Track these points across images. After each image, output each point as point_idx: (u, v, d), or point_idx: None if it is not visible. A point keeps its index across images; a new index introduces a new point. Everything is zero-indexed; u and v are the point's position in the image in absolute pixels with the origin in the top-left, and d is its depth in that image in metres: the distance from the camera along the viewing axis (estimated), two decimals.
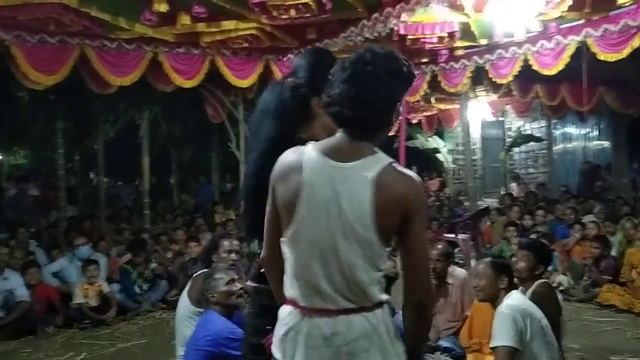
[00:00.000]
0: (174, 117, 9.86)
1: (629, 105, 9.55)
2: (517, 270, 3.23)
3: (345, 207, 1.46)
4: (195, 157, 12.38)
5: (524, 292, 3.22)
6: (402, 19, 5.29)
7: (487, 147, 13.96)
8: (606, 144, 13.12)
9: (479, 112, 11.44)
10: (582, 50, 5.97)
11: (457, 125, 11.57)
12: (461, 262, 7.43)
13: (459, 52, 7.15)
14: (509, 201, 9.29)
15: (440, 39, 6.20)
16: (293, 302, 1.56)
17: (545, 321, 2.78)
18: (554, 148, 13.44)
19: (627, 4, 5.28)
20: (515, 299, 2.79)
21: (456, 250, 7.85)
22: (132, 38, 5.88)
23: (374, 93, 1.48)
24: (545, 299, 3.07)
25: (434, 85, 7.86)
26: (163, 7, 4.95)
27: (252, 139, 1.96)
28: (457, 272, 4.14)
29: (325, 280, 1.50)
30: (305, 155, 1.53)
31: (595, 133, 14.11)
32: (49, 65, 5.62)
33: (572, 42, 5.97)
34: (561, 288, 5.74)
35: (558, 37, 6.08)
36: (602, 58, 5.77)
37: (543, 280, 3.24)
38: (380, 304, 1.54)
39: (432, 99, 10.17)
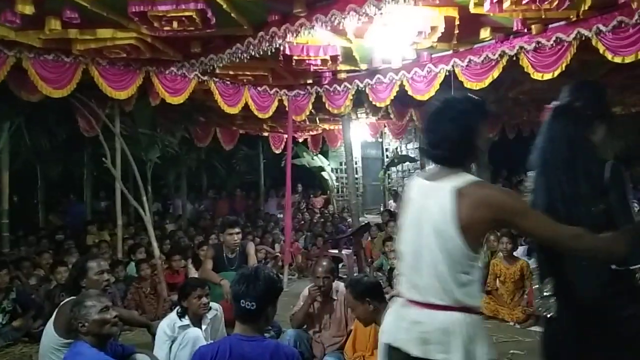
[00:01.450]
0: (40, 129, 8.99)
1: (489, 129, 10.61)
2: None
3: (433, 212, 1.83)
4: (64, 173, 11.37)
5: None
6: (287, 39, 5.37)
7: (367, 166, 14.67)
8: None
9: (360, 132, 11.97)
10: (451, 78, 6.52)
11: (340, 144, 11.98)
12: (345, 277, 7.64)
13: (342, 75, 7.44)
14: (387, 217, 9.80)
15: (324, 61, 6.40)
16: (400, 294, 1.96)
17: None
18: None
19: (488, 39, 5.90)
20: None
21: (340, 265, 8.08)
22: None
23: (443, 136, 1.88)
24: None
25: (319, 105, 8.07)
26: (28, 9, 4.50)
27: (541, 164, 2.19)
28: (341, 287, 4.22)
29: (418, 276, 1.86)
30: (412, 180, 2.04)
31: None
32: None
33: (441, 70, 6.49)
34: None
35: (430, 65, 6.58)
36: (467, 86, 6.33)
37: None
38: (465, 309, 1.80)
39: (317, 119, 10.44)
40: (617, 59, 5.06)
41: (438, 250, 1.80)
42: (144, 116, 9.00)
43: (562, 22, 5.34)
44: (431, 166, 1.99)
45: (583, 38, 5.18)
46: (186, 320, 3.72)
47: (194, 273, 6.72)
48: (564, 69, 5.45)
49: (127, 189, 7.31)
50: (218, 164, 13.92)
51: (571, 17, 5.21)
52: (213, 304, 3.98)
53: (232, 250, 5.16)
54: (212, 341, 3.47)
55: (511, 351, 4.60)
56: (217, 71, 6.63)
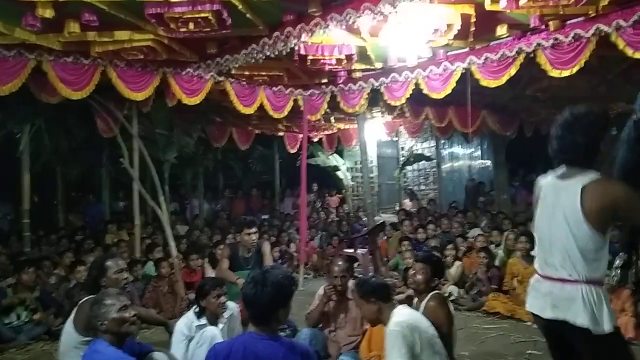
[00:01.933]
0: (60, 130, 9.13)
1: (506, 127, 10.49)
2: (414, 282, 3.38)
3: (564, 207, 2.28)
4: (83, 174, 11.54)
5: (419, 303, 3.36)
6: (302, 39, 5.38)
7: (382, 165, 14.61)
8: (488, 162, 14.30)
9: (375, 132, 11.93)
10: (467, 76, 6.46)
11: (355, 144, 11.95)
12: (360, 276, 7.62)
13: (357, 74, 7.43)
14: (403, 216, 9.76)
15: (339, 60, 6.40)
16: (535, 271, 2.46)
17: (432, 330, 2.91)
18: (442, 166, 14.40)
19: (505, 36, 5.83)
20: (402, 315, 2.87)
21: (356, 264, 8.06)
22: (12, 44, 5.38)
23: (574, 144, 2.30)
24: (439, 310, 3.22)
25: (334, 105, 8.07)
26: (48, 13, 4.58)
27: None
28: None
29: (552, 256, 2.33)
30: (545, 179, 2.48)
31: (479, 153, 15.34)
32: None
33: (457, 68, 6.43)
34: (452, 298, 6.09)
35: (445, 63, 6.53)
36: (484, 84, 6.28)
37: (436, 291, 3.40)
38: (590, 282, 2.22)
39: (332, 119, 10.43)
40: (638, 55, 4.97)
41: (570, 235, 2.25)
42: (161, 117, 9.07)
43: (581, 18, 5.27)
44: (560, 168, 2.43)
45: (602, 34, 5.10)
46: (204, 320, 3.75)
47: (210, 272, 6.77)
48: (582, 65, 5.37)
49: (145, 189, 7.39)
50: (234, 163, 13.98)
51: (590, 12, 5.13)
52: (230, 303, 4.01)
53: (248, 249, 5.19)
54: None
55: (528, 351, 4.55)
56: (233, 72, 6.68)
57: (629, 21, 4.87)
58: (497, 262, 6.50)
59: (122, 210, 11.63)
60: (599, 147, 2.32)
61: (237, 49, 5.84)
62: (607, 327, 2.15)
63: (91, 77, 5.92)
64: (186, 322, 3.72)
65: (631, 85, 8.09)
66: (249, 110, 7.53)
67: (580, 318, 2.18)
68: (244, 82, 7.31)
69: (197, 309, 3.79)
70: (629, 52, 4.99)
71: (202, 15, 4.72)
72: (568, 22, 5.37)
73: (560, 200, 2.31)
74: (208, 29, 5.05)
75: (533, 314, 2.44)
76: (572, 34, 5.29)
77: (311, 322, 4.19)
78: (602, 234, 2.22)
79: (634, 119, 2.50)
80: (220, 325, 3.86)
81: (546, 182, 2.45)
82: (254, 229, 5.19)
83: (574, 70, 5.44)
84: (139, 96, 6.37)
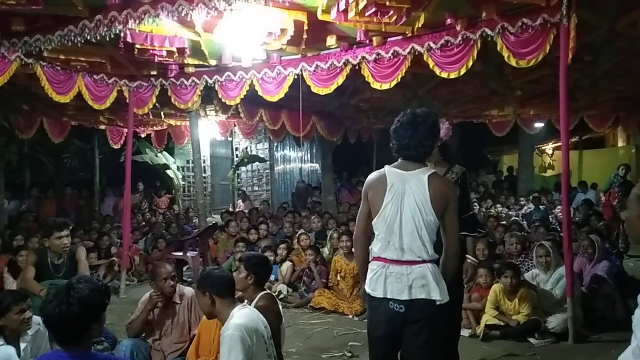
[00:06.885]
0: None
1: (333, 133, 11.13)
2: (236, 282, 3.38)
3: (415, 194, 2.53)
4: None
5: (249, 303, 3.34)
6: (128, 26, 4.98)
7: (216, 165, 14.41)
8: (317, 165, 15.03)
9: (208, 130, 11.67)
10: (299, 82, 6.67)
11: (187, 142, 11.55)
12: (189, 279, 7.37)
13: (190, 70, 7.15)
14: (227, 217, 9.73)
15: (170, 53, 6.09)
16: (379, 258, 2.61)
17: (267, 331, 2.91)
18: (275, 168, 14.75)
19: (334, 46, 6.15)
20: (241, 316, 2.82)
21: (185, 267, 7.77)
22: None
23: (420, 143, 2.61)
24: (268, 310, 3.23)
25: (164, 99, 7.66)
26: None
27: None
28: (186, 291, 4.04)
29: (400, 240, 2.54)
30: (385, 171, 2.65)
31: (308, 156, 16.05)
32: None
33: (290, 73, 6.58)
34: (281, 296, 6.22)
35: (279, 67, 6.64)
36: (314, 91, 6.54)
37: (266, 291, 3.42)
38: (432, 261, 2.56)
39: (162, 114, 9.91)
40: (444, 74, 5.64)
41: (421, 219, 2.52)
42: None
43: (399, 37, 5.80)
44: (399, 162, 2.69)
45: (416, 53, 5.67)
46: (1, 341, 3.21)
47: (11, 282, 5.90)
48: (399, 80, 5.92)
49: None
50: (44, 158, 12.45)
51: (407, 32, 5.68)
52: (35, 318, 3.50)
53: (59, 255, 4.61)
54: None
55: (350, 343, 4.84)
56: (45, 54, 5.90)
57: (437, 44, 5.50)
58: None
59: None
60: (434, 145, 2.78)
61: (50, 29, 5.17)
62: (447, 297, 2.55)
63: None
64: None
65: (437, 101, 9.24)
66: (64, 99, 6.71)
67: (434, 293, 2.51)
68: (59, 67, 6.51)
69: None
70: (437, 71, 5.64)
71: None
72: (389, 39, 5.88)
73: (409, 188, 2.55)
74: (13, 2, 4.38)
75: (382, 298, 2.56)
76: (391, 51, 5.80)
77: (133, 332, 3.89)
78: (439, 219, 2.58)
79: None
80: (23, 345, 3.36)
81: (389, 172, 2.63)
82: (65, 232, 4.62)
83: (392, 84, 5.96)
84: None
